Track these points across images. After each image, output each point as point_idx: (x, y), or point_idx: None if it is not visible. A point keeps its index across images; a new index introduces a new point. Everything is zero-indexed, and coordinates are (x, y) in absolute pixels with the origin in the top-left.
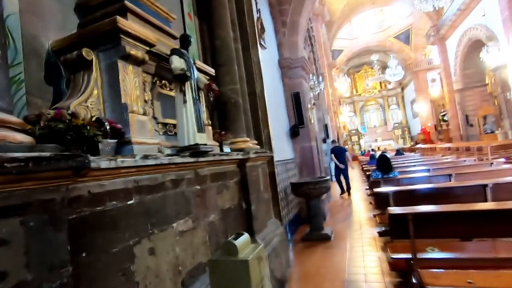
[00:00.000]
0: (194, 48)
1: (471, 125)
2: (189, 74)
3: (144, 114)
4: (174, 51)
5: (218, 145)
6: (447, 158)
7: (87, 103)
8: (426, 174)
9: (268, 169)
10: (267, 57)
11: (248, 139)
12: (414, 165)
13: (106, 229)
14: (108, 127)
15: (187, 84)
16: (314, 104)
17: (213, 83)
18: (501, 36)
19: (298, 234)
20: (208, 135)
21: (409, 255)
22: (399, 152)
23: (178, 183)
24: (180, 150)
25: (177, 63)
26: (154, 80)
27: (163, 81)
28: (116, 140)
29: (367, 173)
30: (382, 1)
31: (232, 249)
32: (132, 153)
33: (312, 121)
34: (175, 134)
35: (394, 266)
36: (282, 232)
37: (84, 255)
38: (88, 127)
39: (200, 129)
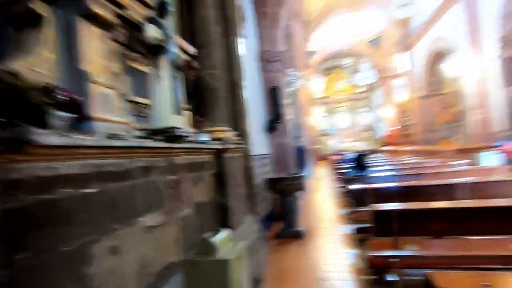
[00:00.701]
0: (172, 26)
1: (432, 130)
2: (166, 47)
3: (111, 87)
4: (150, 19)
5: (196, 132)
6: (412, 159)
7: (37, 67)
8: (398, 173)
9: (245, 163)
10: (247, 48)
11: (227, 129)
12: (385, 165)
13: (57, 224)
14: (62, 97)
15: (164, 58)
16: (292, 100)
17: (194, 60)
18: (461, 49)
19: (271, 230)
20: (185, 120)
21: (389, 253)
22: (366, 154)
23: (149, 171)
24: (153, 133)
25: (153, 32)
26: (124, 51)
27: (135, 54)
28: (73, 115)
29: (340, 171)
30: (357, 6)
31: (210, 247)
32: (94, 130)
33: (289, 117)
34: (147, 116)
35: (372, 263)
36: (258, 229)
37: (25, 255)
38: (34, 92)
39: (177, 111)
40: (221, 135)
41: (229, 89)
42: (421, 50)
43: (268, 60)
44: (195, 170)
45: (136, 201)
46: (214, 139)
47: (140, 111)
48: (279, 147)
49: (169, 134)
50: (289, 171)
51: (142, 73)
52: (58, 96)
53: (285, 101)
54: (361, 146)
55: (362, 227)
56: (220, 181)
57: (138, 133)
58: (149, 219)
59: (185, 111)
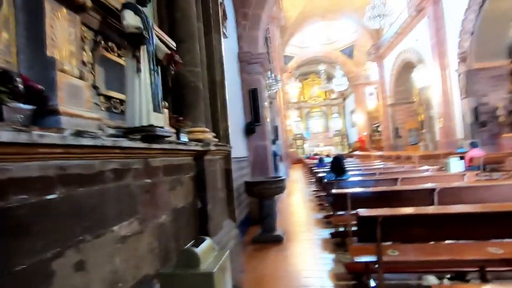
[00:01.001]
0: (150, 16)
1: (400, 137)
2: (146, 36)
3: (81, 78)
4: (127, 5)
5: (175, 132)
6: (383, 164)
7: None
8: (373, 178)
9: (225, 166)
10: (227, 48)
11: (208, 129)
12: (360, 169)
13: (9, 237)
14: (21, 85)
15: (143, 49)
16: (270, 103)
17: (176, 54)
18: (429, 61)
19: (248, 235)
20: (164, 119)
21: (370, 258)
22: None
23: (122, 174)
24: (129, 132)
25: (131, 19)
26: (97, 39)
27: (110, 43)
28: (34, 107)
29: (318, 175)
30: (332, 15)
31: (193, 259)
32: (59, 126)
33: (268, 119)
34: (122, 112)
35: (352, 269)
36: (237, 234)
37: None
38: None
39: (157, 108)
40: (201, 136)
41: (210, 88)
42: (391, 60)
43: (248, 61)
44: (174, 173)
45: (106, 208)
46: (193, 140)
47: (114, 106)
48: (257, 150)
49: (148, 133)
50: (267, 174)
51: (117, 64)
52: (16, 84)
53: (265, 103)
54: (334, 150)
55: (341, 232)
56: (200, 184)
57: (111, 131)
58: (121, 228)
59: (165, 109)
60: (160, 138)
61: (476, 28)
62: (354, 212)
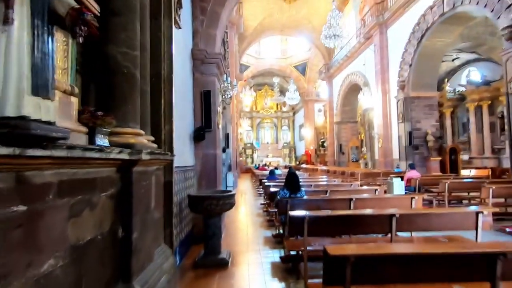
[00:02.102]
0: None
1: (343, 153)
2: None
3: None
4: None
5: (87, 132)
6: (336, 181)
7: None
8: (328, 197)
9: (164, 178)
10: (180, 40)
11: (143, 132)
12: (311, 185)
13: None
14: None
15: None
16: (224, 108)
17: (88, 11)
18: (373, 85)
19: (189, 257)
20: (63, 109)
21: None
22: (291, 169)
23: None
24: None
25: None
26: None
27: None
28: None
29: (270, 190)
30: (289, 31)
31: None
32: None
33: (220, 126)
34: None
35: None
36: (172, 265)
37: None
38: None
39: (43, 90)
40: (131, 140)
41: (153, 82)
42: (339, 81)
43: (202, 60)
44: (79, 191)
45: None
46: (120, 145)
47: None
48: (206, 159)
49: (16, 131)
50: (216, 187)
51: None
52: None
53: (218, 108)
54: (282, 162)
55: (293, 256)
56: (124, 205)
57: None
58: None
59: (69, 96)
60: (44, 140)
61: (414, 60)
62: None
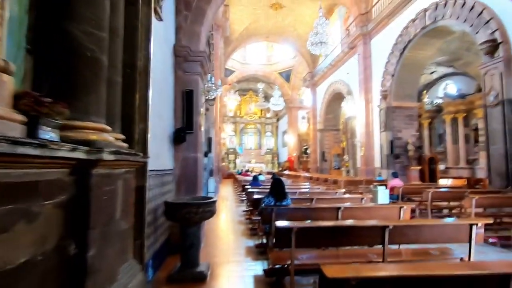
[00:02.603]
0: None
1: (325, 160)
2: None
3: None
4: None
5: (26, 122)
6: (321, 188)
7: None
8: (314, 205)
9: (135, 182)
10: (161, 34)
11: (109, 128)
12: (295, 192)
13: None
14: None
15: None
16: (207, 109)
17: None
18: (356, 94)
19: (164, 269)
20: None
21: None
22: (274, 175)
23: None
24: None
25: None
26: None
27: None
28: None
29: (253, 197)
30: (275, 38)
31: None
32: None
33: (202, 128)
34: None
35: None
36: (141, 283)
37: None
38: None
39: None
40: (93, 136)
41: (126, 73)
42: (323, 89)
43: (185, 58)
44: (8, 199)
45: None
46: (76, 141)
47: None
48: (186, 163)
49: None
50: (196, 193)
51: None
52: None
53: (201, 109)
54: (265, 168)
55: (277, 269)
56: (78, 215)
57: None
58: None
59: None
60: None
61: (396, 71)
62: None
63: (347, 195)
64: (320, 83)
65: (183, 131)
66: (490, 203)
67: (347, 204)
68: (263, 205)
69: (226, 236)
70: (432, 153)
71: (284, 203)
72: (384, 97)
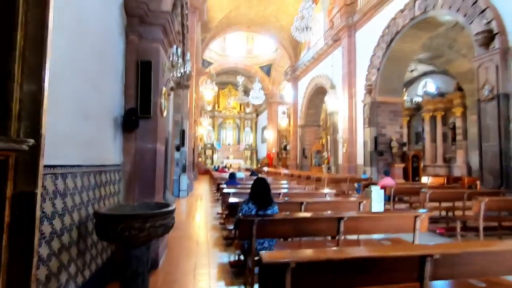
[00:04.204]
0: None
1: (306, 157)
2: None
3: None
4: None
5: None
6: (308, 188)
7: None
8: (309, 215)
9: (14, 186)
10: None
11: None
12: (279, 194)
13: None
14: None
15: None
16: (172, 89)
17: None
18: (339, 88)
19: None
20: None
21: None
22: (254, 173)
23: None
24: None
25: None
26: None
27: None
28: None
29: (229, 201)
30: (256, 28)
31: None
32: None
33: (165, 113)
34: None
35: None
36: None
37: None
38: None
39: None
40: None
41: None
42: (305, 83)
43: (142, 18)
44: None
45: None
46: None
47: None
48: (141, 156)
49: None
50: (154, 196)
51: None
52: None
53: (163, 88)
54: (243, 164)
55: None
56: None
57: None
58: None
59: None
60: None
61: (382, 64)
62: None
63: (340, 198)
64: (302, 77)
65: (136, 113)
66: (499, 207)
67: (350, 214)
68: (240, 214)
69: (195, 247)
70: (410, 151)
71: (269, 211)
72: (369, 91)
